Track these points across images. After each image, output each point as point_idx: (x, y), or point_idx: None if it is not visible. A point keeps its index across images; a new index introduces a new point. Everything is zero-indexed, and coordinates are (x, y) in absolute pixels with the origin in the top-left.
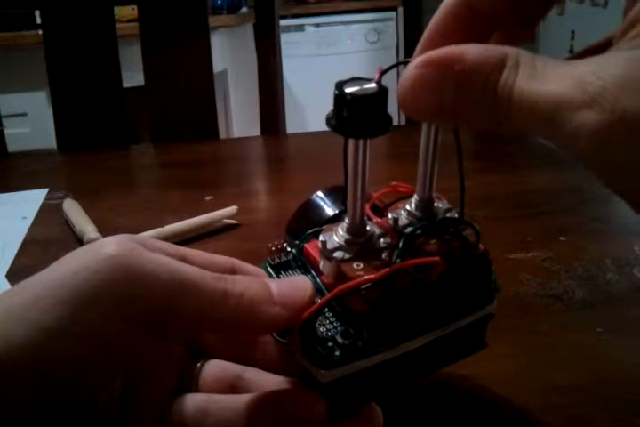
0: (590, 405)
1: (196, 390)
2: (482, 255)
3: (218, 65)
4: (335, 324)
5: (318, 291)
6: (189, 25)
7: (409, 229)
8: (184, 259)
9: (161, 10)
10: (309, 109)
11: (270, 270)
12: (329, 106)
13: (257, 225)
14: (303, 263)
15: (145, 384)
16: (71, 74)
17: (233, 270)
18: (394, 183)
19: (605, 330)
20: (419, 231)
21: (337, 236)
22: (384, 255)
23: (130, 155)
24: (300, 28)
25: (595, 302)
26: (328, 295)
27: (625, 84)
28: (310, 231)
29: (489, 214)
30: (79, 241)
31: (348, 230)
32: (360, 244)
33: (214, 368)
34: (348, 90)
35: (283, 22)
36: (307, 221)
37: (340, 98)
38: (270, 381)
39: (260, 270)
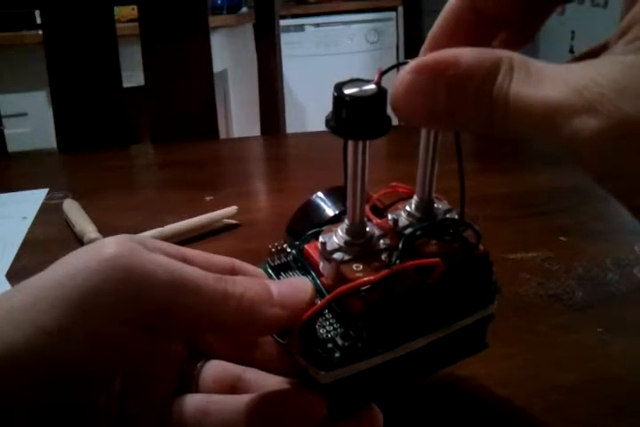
0: (590, 405)
1: (196, 390)
2: (482, 256)
3: (218, 65)
4: (335, 325)
5: (318, 292)
6: (189, 25)
7: (409, 231)
8: (184, 259)
9: (161, 10)
10: (309, 109)
11: (270, 272)
12: (329, 106)
13: (257, 225)
14: (303, 264)
15: (145, 384)
16: (71, 74)
17: (233, 271)
18: (393, 184)
19: (605, 330)
20: (418, 232)
21: (336, 237)
22: (384, 257)
23: (130, 155)
24: (300, 28)
25: (595, 302)
26: (328, 297)
27: (623, 91)
28: (310, 232)
29: (489, 214)
30: (79, 241)
31: (348, 232)
32: (360, 245)
33: (214, 369)
34: (347, 91)
35: (283, 22)
36: (307, 222)
37: (339, 100)
38: (270, 381)
39: (261, 271)
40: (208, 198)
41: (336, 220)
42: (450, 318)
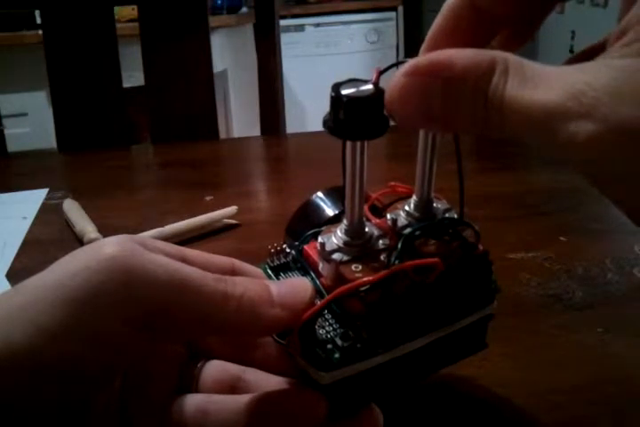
0: (590, 405)
1: (196, 390)
2: (482, 256)
3: (218, 65)
4: (334, 326)
5: (318, 293)
6: (189, 25)
7: (408, 231)
8: (184, 259)
9: (161, 10)
10: (309, 109)
11: (269, 272)
12: (329, 106)
13: (257, 225)
14: (302, 265)
15: (145, 385)
16: (71, 74)
17: (233, 271)
18: (392, 183)
19: (605, 330)
20: (417, 232)
21: (335, 237)
22: (383, 257)
23: (130, 155)
24: (300, 28)
25: (595, 302)
26: (327, 298)
27: (618, 95)
28: (309, 233)
29: (489, 214)
30: (79, 241)
31: (347, 232)
32: (359, 245)
33: (214, 369)
34: (345, 92)
35: (283, 22)
36: (306, 222)
37: (337, 100)
38: (270, 381)
39: (260, 271)
40: (208, 198)
41: (336, 220)
42: (449, 317)
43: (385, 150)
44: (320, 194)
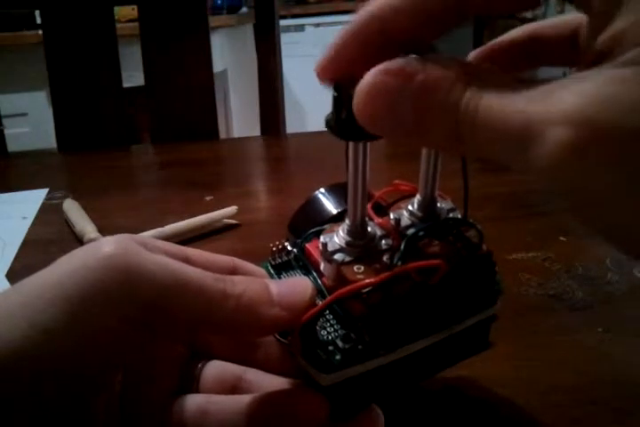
0: (590, 405)
1: (197, 390)
2: (485, 256)
3: (218, 65)
4: (336, 327)
5: (319, 292)
6: (189, 25)
7: (411, 231)
8: (186, 259)
9: (161, 10)
10: (309, 109)
11: (271, 270)
12: (329, 106)
13: (257, 225)
14: (304, 264)
15: (145, 384)
16: (71, 74)
17: (234, 270)
18: (396, 181)
19: (605, 330)
20: (421, 233)
21: (338, 237)
22: (385, 258)
23: (130, 155)
24: (300, 28)
25: (595, 302)
26: (328, 299)
27: (600, 102)
28: (312, 231)
29: (489, 214)
30: (79, 241)
31: (349, 233)
32: (361, 246)
33: (215, 369)
34: (347, 91)
35: (283, 22)
36: (309, 219)
37: (339, 99)
38: (271, 382)
39: (262, 270)
40: (208, 198)
41: (339, 217)
42: (452, 319)
43: (385, 149)
44: (323, 191)
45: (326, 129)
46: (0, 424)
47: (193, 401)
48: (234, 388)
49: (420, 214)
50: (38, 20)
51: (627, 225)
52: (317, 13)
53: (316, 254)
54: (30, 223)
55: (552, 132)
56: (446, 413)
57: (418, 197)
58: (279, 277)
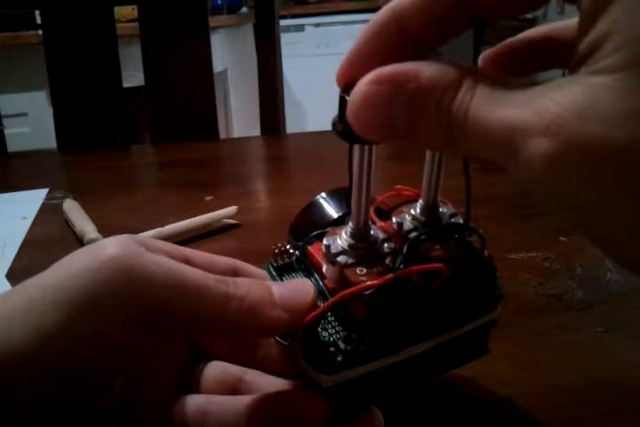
0: (590, 405)
1: (197, 391)
2: (487, 261)
3: (218, 65)
4: (337, 328)
5: (321, 294)
6: (189, 25)
7: (413, 235)
8: (186, 260)
9: (161, 10)
10: (309, 109)
11: (273, 272)
12: (329, 106)
13: (257, 225)
14: (306, 266)
15: (145, 385)
16: (71, 74)
17: (235, 272)
18: (398, 186)
19: (605, 330)
20: (423, 237)
21: (340, 240)
22: (388, 261)
23: (130, 155)
24: (300, 28)
25: (595, 302)
26: (330, 300)
27: (584, 113)
28: (314, 234)
29: (489, 214)
30: (79, 241)
31: (352, 235)
32: (364, 249)
33: (216, 370)
34: None
35: (283, 22)
36: (310, 223)
37: (346, 100)
38: (271, 383)
39: (263, 272)
40: (208, 198)
41: (340, 221)
42: (453, 322)
43: (387, 150)
44: (324, 195)
45: (332, 131)
46: (0, 425)
47: (193, 402)
48: (234, 389)
49: (422, 219)
50: (38, 20)
51: (615, 236)
52: (317, 13)
53: (318, 257)
54: (30, 223)
55: (532, 143)
56: (446, 413)
57: (420, 201)
58: (281, 280)
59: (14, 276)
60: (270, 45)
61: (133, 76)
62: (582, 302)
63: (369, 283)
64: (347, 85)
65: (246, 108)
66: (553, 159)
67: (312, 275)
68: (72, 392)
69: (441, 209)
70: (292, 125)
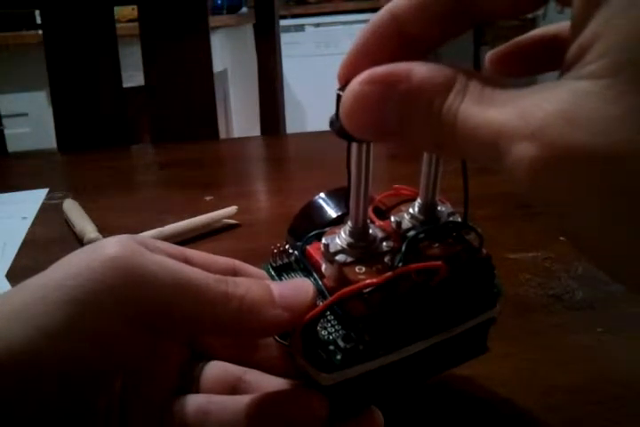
0: (590, 405)
1: (197, 391)
2: (485, 259)
3: (218, 65)
4: (337, 327)
5: (320, 293)
6: (189, 25)
7: (411, 233)
8: (186, 260)
9: (161, 10)
10: (309, 109)
11: (272, 272)
12: (329, 106)
13: (257, 225)
14: (305, 265)
15: (145, 385)
16: (71, 74)
17: (234, 272)
18: (396, 186)
19: (605, 330)
20: (421, 235)
21: (339, 239)
22: (386, 259)
23: (130, 155)
24: (300, 28)
25: (595, 302)
26: (330, 299)
27: (568, 118)
28: (312, 233)
29: (489, 214)
30: (79, 241)
31: (351, 234)
32: (362, 247)
33: (215, 369)
34: None
35: (283, 22)
36: (309, 223)
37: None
38: (271, 382)
39: (262, 272)
40: (208, 198)
41: (338, 221)
42: (452, 321)
43: (385, 150)
44: (323, 195)
45: (330, 129)
46: (0, 424)
47: (193, 401)
48: (234, 388)
49: (420, 217)
50: (38, 20)
51: (599, 243)
52: (317, 13)
53: (317, 256)
54: (30, 223)
55: (516, 147)
56: (446, 413)
57: (419, 200)
58: (280, 279)
59: (14, 276)
60: (270, 45)
61: (133, 76)
62: (582, 301)
63: (368, 281)
64: (344, 84)
65: (246, 108)
66: (536, 164)
67: (311, 274)
68: (72, 392)
69: (439, 208)
70: (292, 125)
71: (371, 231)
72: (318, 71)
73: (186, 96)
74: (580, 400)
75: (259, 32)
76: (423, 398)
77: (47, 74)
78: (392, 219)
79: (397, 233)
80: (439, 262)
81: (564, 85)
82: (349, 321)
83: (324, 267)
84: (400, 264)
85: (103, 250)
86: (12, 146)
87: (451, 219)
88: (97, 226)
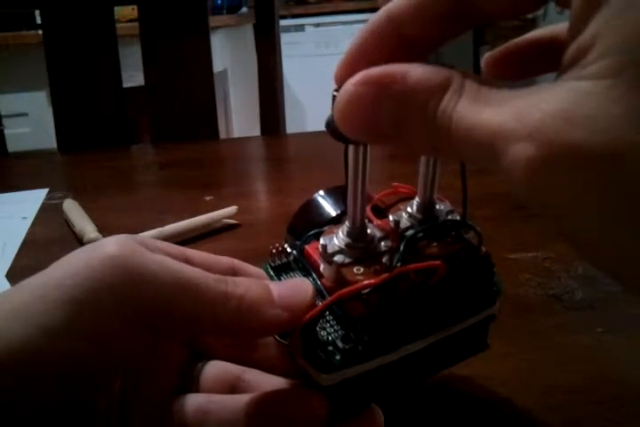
0: (590, 405)
1: (197, 390)
2: (484, 258)
3: (218, 65)
4: (336, 327)
5: (319, 293)
6: (189, 25)
7: (410, 232)
8: (186, 259)
9: (161, 10)
10: (309, 109)
11: (271, 272)
12: (329, 106)
13: (257, 225)
14: (304, 265)
15: (145, 384)
16: (71, 74)
17: (233, 271)
18: (395, 184)
19: (605, 330)
20: (420, 234)
21: (337, 239)
22: (385, 259)
23: (130, 155)
24: (300, 28)
25: (595, 302)
26: (329, 300)
27: (566, 118)
28: (311, 233)
29: (489, 214)
30: (79, 241)
31: (349, 234)
32: (360, 248)
33: (215, 369)
34: None
35: (283, 22)
36: (308, 222)
37: None
38: (271, 382)
39: (261, 271)
40: (208, 198)
41: (337, 220)
42: (451, 319)
43: (384, 149)
44: (322, 193)
45: (327, 132)
46: (0, 424)
47: (193, 401)
48: (233, 388)
49: (419, 216)
50: (38, 20)
51: (598, 243)
52: (317, 13)
53: (316, 256)
54: (30, 223)
55: (513, 148)
56: (446, 412)
57: (417, 199)
58: (279, 279)
59: (14, 276)
60: (270, 45)
61: (133, 76)
62: (582, 301)
63: (366, 282)
64: (341, 85)
65: (246, 108)
66: (533, 164)
67: (310, 274)
68: (72, 392)
69: (438, 206)
70: (292, 125)
71: (369, 231)
72: (318, 71)
73: (186, 96)
74: (580, 400)
75: (259, 32)
76: (423, 398)
77: (47, 74)
78: (390, 218)
79: (396, 232)
80: (437, 262)
81: (564, 86)
82: (348, 322)
83: (322, 267)
84: (398, 264)
85: (103, 249)
86: (12, 146)
87: (449, 217)
88: (97, 226)
